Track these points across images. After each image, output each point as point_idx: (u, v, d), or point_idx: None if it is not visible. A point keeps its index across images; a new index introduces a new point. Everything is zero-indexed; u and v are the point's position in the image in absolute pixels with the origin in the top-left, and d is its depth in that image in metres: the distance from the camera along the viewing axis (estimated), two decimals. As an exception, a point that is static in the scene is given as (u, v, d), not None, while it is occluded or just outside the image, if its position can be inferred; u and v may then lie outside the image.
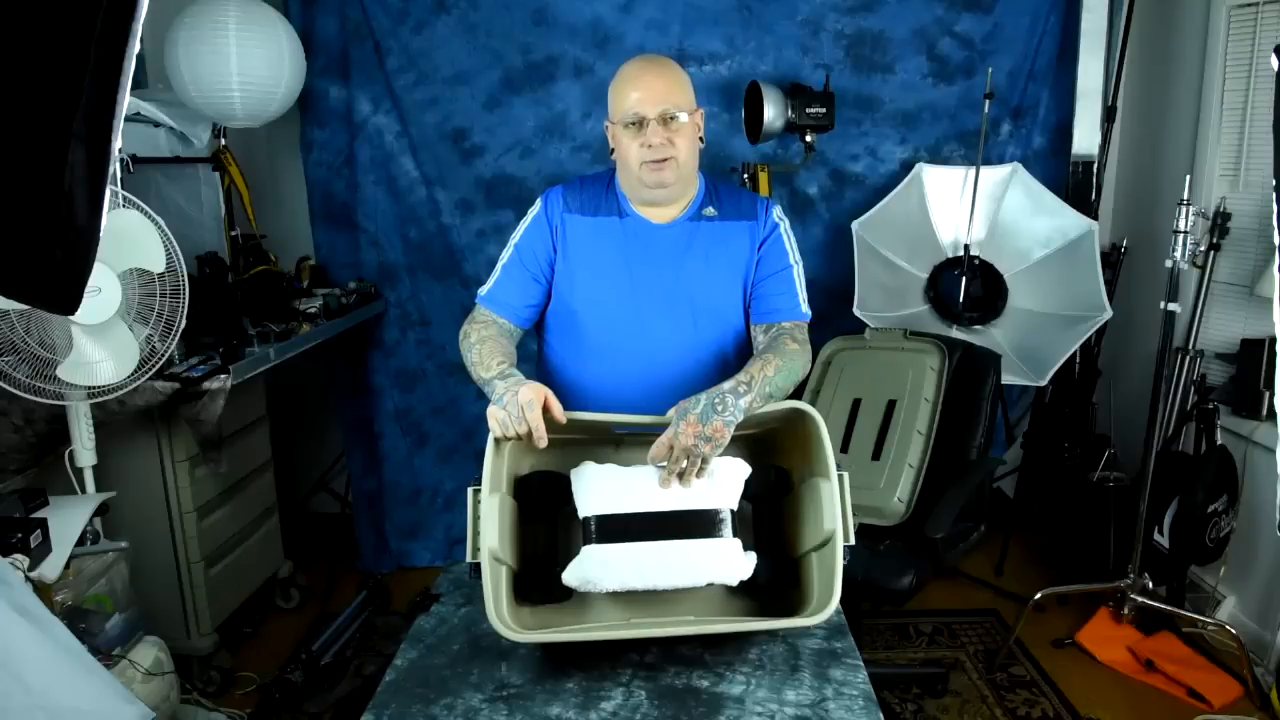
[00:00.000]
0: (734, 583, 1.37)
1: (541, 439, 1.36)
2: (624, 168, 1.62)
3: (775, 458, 1.53)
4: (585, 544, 1.36)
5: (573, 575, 1.35)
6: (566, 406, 1.68)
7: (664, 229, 1.66)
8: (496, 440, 1.38)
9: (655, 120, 1.55)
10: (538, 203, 1.71)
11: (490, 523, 1.30)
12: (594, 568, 1.34)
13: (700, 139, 1.63)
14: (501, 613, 1.27)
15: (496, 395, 1.41)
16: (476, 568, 1.29)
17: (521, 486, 1.46)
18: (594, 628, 1.40)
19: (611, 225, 1.66)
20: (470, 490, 1.35)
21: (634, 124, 1.56)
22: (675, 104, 1.55)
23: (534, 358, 1.82)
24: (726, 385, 1.40)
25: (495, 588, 1.28)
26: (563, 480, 1.44)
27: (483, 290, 1.71)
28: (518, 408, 1.36)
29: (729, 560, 1.36)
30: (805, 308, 1.68)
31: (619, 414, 1.47)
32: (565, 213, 1.67)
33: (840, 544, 1.34)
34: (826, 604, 1.29)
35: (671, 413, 1.38)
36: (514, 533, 1.41)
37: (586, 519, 1.38)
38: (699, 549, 1.36)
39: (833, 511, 1.35)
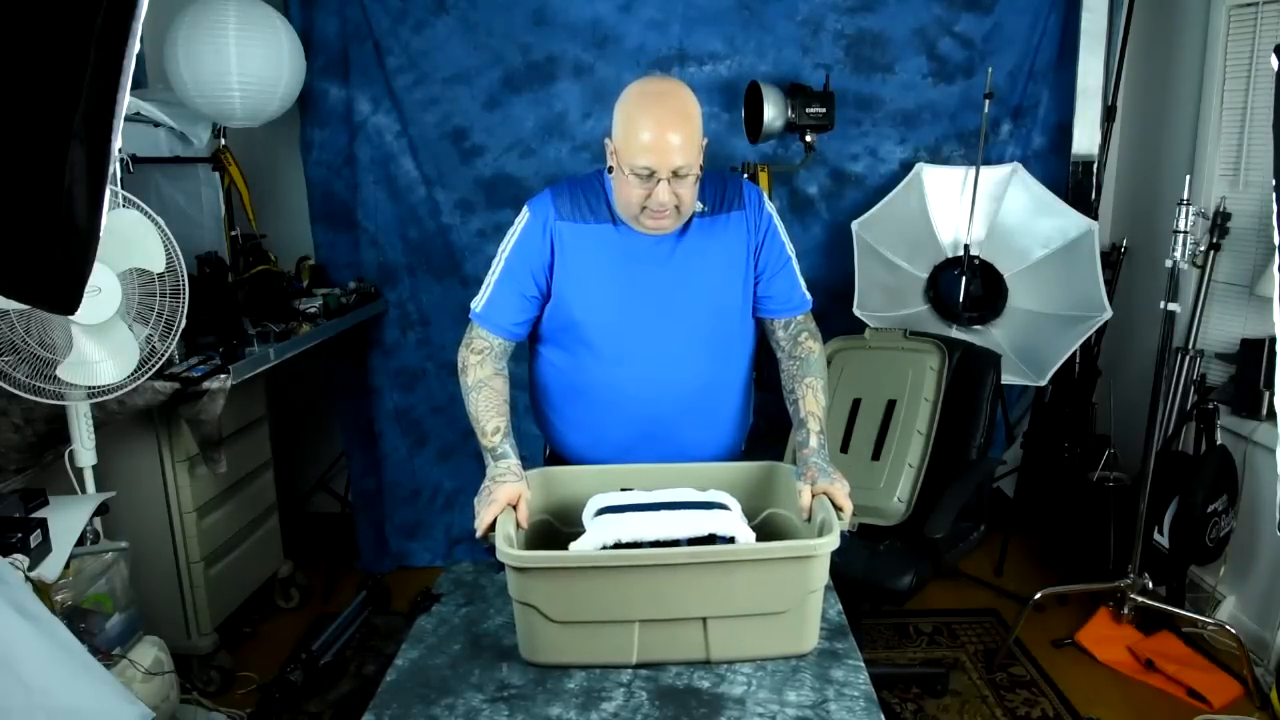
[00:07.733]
0: (738, 537, 1.35)
1: (523, 521, 1.46)
2: (623, 203, 1.57)
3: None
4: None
5: (581, 544, 1.33)
6: (572, 413, 1.71)
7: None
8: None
9: (666, 178, 1.48)
10: (525, 212, 1.64)
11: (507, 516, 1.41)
12: (600, 527, 1.34)
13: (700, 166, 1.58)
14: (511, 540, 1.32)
15: (487, 479, 1.50)
16: (491, 548, 1.33)
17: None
18: (595, 556, 1.33)
19: (606, 233, 1.62)
20: None
21: (643, 175, 1.49)
22: (689, 161, 1.48)
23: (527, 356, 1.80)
24: (814, 442, 1.56)
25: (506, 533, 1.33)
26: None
27: (476, 307, 1.66)
28: (492, 506, 1.44)
29: (732, 522, 1.37)
30: (807, 294, 1.74)
31: (623, 464, 1.59)
32: (558, 220, 1.62)
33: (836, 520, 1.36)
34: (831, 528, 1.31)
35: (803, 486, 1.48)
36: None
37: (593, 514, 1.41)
38: (702, 513, 1.38)
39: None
